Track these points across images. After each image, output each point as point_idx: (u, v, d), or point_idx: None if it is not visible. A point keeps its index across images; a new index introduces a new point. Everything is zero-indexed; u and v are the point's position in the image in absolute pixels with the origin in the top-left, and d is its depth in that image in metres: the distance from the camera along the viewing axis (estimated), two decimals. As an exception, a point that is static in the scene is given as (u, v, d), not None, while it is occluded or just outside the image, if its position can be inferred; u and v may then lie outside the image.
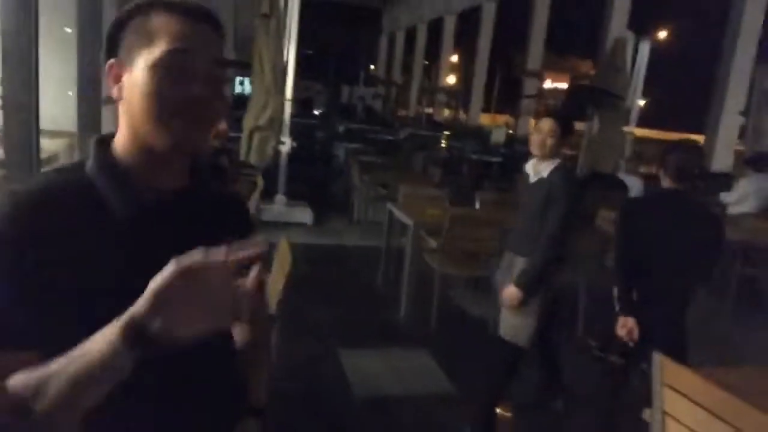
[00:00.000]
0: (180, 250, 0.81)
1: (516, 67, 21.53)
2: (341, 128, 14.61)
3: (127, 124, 0.98)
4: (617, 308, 3.00)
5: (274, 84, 7.34)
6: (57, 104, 5.98)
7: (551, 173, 3.13)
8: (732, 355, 4.40)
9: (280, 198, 8.10)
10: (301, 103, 14.43)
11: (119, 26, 0.96)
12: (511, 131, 18.02)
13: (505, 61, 26.35)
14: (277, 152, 7.81)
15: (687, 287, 3.01)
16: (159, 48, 0.92)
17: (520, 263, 3.21)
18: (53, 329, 0.85)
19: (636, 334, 2.92)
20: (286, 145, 8.03)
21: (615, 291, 3.05)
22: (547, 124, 3.15)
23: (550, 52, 19.97)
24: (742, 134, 10.02)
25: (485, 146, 14.09)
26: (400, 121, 20.44)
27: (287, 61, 7.75)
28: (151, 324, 0.76)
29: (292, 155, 8.18)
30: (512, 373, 3.27)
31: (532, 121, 22.03)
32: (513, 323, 3.22)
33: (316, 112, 17.52)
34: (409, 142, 13.84)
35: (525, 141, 16.92)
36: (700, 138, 15.14)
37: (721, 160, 11.72)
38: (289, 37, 7.91)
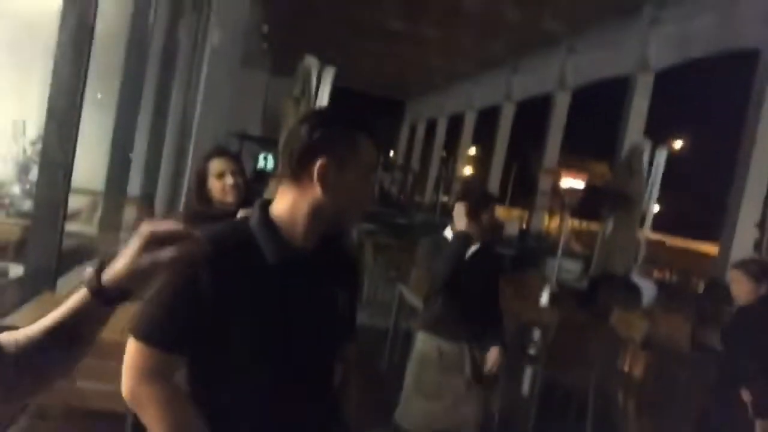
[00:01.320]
0: (311, 290, 1.31)
1: (532, 165, 22.03)
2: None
3: (308, 203, 1.31)
4: (754, 413, 3.01)
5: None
6: (83, 162, 6.19)
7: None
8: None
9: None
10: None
11: (327, 137, 1.31)
12: (524, 225, 18.17)
13: (522, 157, 27.04)
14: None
15: None
16: (370, 163, 1.35)
17: None
18: (213, 346, 1.19)
19: None
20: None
21: (747, 395, 3.09)
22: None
23: (566, 152, 20.47)
24: (757, 245, 9.99)
25: (498, 238, 14.19)
26: (415, 206, 20.77)
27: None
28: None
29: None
30: None
31: (547, 217, 22.30)
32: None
33: None
34: (422, 228, 14.00)
35: (538, 236, 17.03)
36: (713, 248, 15.15)
37: (736, 271, 11.63)
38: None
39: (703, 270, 13.86)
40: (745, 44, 13.33)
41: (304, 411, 1.30)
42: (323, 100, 8.39)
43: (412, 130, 34.86)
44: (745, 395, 3.17)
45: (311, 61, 7.78)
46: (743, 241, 11.67)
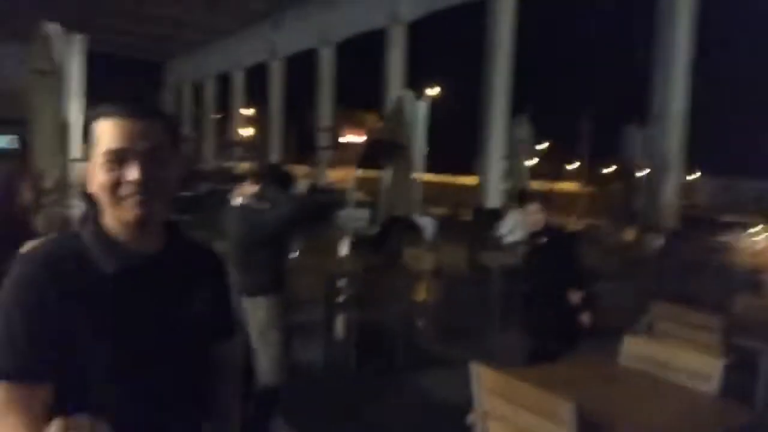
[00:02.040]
0: (159, 300, 1.21)
1: (309, 121, 22.46)
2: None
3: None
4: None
5: (56, 144, 6.76)
6: None
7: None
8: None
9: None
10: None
11: (85, 132, 1.22)
12: (311, 181, 18.56)
13: (300, 114, 27.31)
14: (66, 218, 7.12)
15: None
16: (100, 149, 1.18)
17: None
18: (59, 366, 1.11)
19: None
20: (76, 209, 7.36)
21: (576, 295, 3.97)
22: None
23: (340, 107, 21.27)
24: (507, 174, 11.73)
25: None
26: (197, 176, 19.82)
27: (70, 120, 7.18)
28: None
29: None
30: None
31: (331, 171, 23.07)
32: None
33: None
34: (210, 198, 13.52)
35: (326, 191, 17.58)
36: (475, 179, 17.36)
37: (493, 198, 13.60)
38: (69, 94, 7.35)
39: (470, 200, 15.77)
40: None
41: (174, 420, 1.24)
42: (73, 72, 7.48)
43: (178, 93, 32.74)
44: (574, 296, 3.97)
45: (52, 29, 6.85)
46: (496, 171, 13.66)
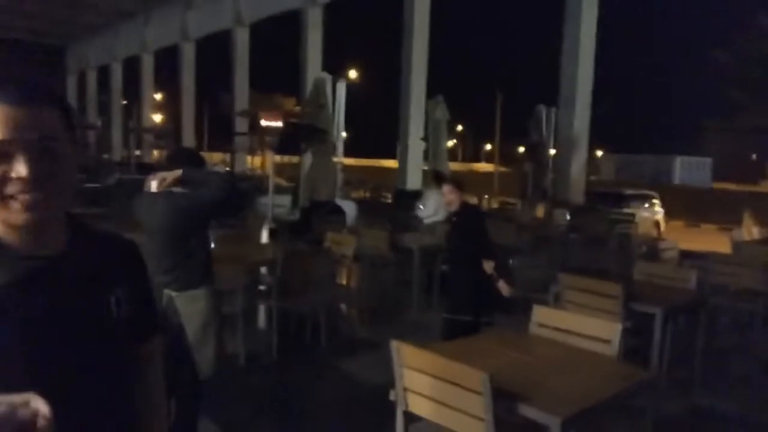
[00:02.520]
0: (64, 308, 1.04)
1: (225, 106, 21.78)
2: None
3: None
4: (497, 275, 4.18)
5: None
6: None
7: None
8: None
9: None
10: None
11: None
12: (228, 168, 18.12)
13: (214, 99, 26.41)
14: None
15: None
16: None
17: None
18: None
19: None
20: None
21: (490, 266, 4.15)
22: None
23: (256, 91, 20.78)
24: (426, 156, 11.95)
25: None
26: (106, 166, 18.84)
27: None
28: None
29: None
30: None
31: (249, 158, 22.57)
32: None
33: None
34: (119, 189, 12.90)
35: (245, 177, 17.16)
36: (393, 162, 17.55)
37: (413, 179, 13.83)
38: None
39: (391, 182, 15.95)
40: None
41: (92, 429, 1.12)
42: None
43: (82, 78, 30.77)
44: (487, 265, 4.19)
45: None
46: (415, 153, 13.88)
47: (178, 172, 3.05)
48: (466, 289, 4.28)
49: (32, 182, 1.00)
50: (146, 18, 24.07)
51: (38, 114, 1.04)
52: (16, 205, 1.01)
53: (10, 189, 1.00)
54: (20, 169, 0.99)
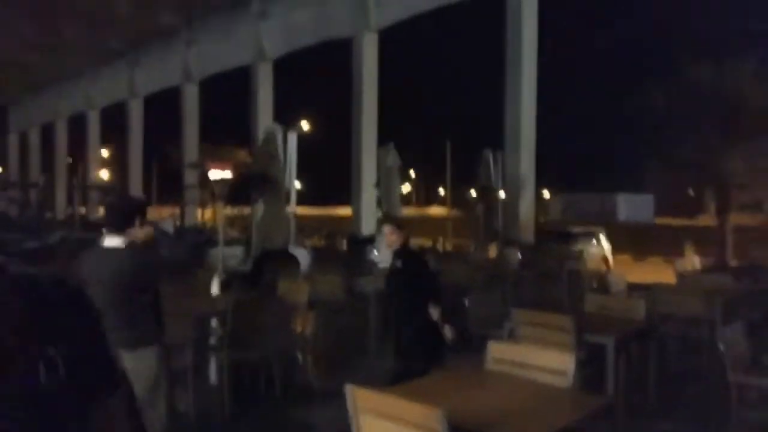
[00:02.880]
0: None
1: (173, 159, 21.54)
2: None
3: None
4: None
5: None
6: None
7: None
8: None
9: None
10: None
11: None
12: (178, 222, 17.75)
13: (161, 153, 26.12)
14: None
15: None
16: None
17: None
18: None
19: None
20: None
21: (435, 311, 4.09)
22: None
23: (206, 143, 20.68)
24: (379, 202, 12.04)
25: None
26: (46, 225, 18.16)
27: None
28: None
29: None
30: None
31: (199, 210, 22.21)
32: None
33: None
34: (63, 247, 12.42)
35: (195, 229, 16.84)
36: (348, 210, 17.63)
37: (367, 226, 13.86)
38: None
39: (345, 229, 15.94)
40: (339, 34, 15.63)
41: None
42: None
43: (23, 139, 30.01)
44: (434, 311, 4.09)
45: None
46: (368, 199, 13.98)
47: (146, 231, 3.02)
48: (413, 336, 4.19)
49: None
50: (92, 76, 23.87)
51: None
52: None
53: None
54: None
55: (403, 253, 4.34)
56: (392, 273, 4.38)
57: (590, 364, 4.00)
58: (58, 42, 19.96)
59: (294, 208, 11.33)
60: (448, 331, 4.11)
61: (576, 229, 14.68)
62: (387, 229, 4.43)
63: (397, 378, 4.09)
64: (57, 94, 26.02)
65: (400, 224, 4.49)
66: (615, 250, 15.29)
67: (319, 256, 11.39)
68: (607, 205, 36.84)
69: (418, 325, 4.15)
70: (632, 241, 20.09)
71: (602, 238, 14.56)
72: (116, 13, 17.44)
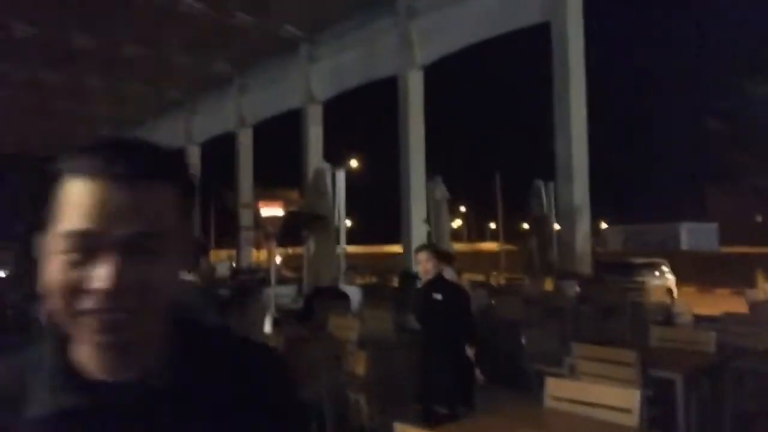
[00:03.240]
0: None
1: (229, 203, 22.20)
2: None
3: None
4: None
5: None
6: None
7: None
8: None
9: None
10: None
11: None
12: (234, 264, 18.16)
13: (217, 197, 26.97)
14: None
15: None
16: (59, 230, 0.70)
17: None
18: None
19: None
20: None
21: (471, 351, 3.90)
22: None
23: (259, 185, 21.30)
24: (429, 237, 11.95)
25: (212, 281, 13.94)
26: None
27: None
28: None
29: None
30: None
31: (255, 251, 22.68)
32: None
33: (1, 274, 15.39)
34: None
35: (251, 271, 17.21)
36: (398, 248, 17.59)
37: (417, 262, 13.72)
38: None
39: (395, 267, 15.88)
40: (385, 73, 15.94)
41: None
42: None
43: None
44: (471, 352, 3.91)
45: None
46: (418, 235, 13.90)
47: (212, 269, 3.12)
48: (446, 376, 3.96)
49: (115, 296, 0.68)
50: (152, 125, 25.12)
51: (145, 195, 0.70)
52: (91, 324, 0.69)
53: (86, 303, 0.68)
54: (101, 275, 0.68)
55: (441, 284, 4.13)
56: (427, 303, 4.14)
57: (658, 402, 3.74)
58: (119, 95, 21.19)
59: (344, 246, 11.38)
60: (479, 374, 3.91)
61: (638, 260, 14.11)
62: (423, 256, 4.15)
63: (427, 419, 3.89)
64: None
65: (440, 253, 4.32)
66: (679, 281, 14.58)
67: (370, 293, 11.33)
68: (670, 235, 35.41)
69: (453, 362, 3.92)
70: (697, 271, 19.13)
71: (665, 269, 13.93)
72: (173, 65, 18.40)
